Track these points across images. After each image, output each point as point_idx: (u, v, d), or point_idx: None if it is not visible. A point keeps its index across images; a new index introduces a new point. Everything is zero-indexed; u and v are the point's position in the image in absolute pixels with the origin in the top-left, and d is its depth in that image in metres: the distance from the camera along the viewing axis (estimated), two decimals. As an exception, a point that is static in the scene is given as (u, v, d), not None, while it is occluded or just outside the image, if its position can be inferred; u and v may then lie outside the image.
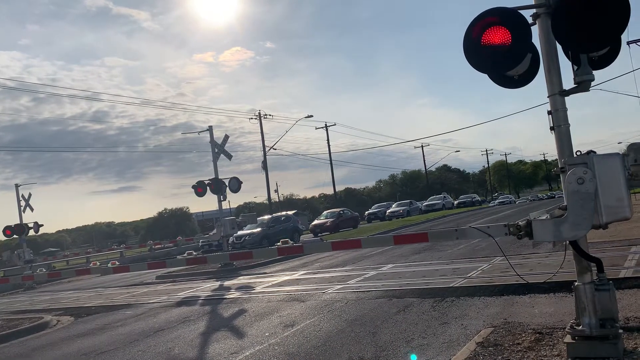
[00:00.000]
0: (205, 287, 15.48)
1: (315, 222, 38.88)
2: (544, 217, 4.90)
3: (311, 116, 52.64)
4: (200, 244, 34.14)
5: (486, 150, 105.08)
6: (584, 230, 4.53)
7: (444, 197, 60.72)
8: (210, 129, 21.64)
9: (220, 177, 20.77)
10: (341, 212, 40.43)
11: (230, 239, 27.88)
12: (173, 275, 21.19)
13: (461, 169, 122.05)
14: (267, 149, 52.10)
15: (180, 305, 12.56)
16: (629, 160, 4.52)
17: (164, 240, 50.39)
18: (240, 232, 28.95)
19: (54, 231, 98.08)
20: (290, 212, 38.24)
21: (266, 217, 33.56)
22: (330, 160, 60.91)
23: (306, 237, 36.22)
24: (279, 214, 36.21)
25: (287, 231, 30.10)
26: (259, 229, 30.26)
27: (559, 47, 4.76)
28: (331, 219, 38.28)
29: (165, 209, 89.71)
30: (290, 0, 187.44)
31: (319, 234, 36.07)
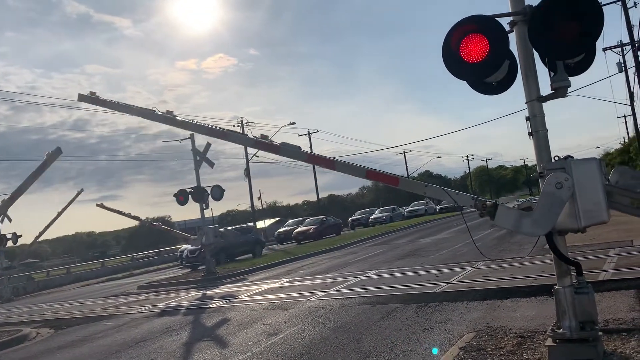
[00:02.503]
0: (188, 297, 15.33)
1: (299, 229, 38.67)
2: (511, 205, 4.95)
3: (294, 123, 52.79)
4: (178, 253, 32.33)
5: (467, 156, 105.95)
6: (542, 231, 4.62)
7: (426, 202, 61.01)
8: (192, 136, 21.52)
9: (202, 185, 20.66)
10: (324, 219, 40.37)
11: (185, 253, 27.09)
12: (155, 285, 20.97)
13: (443, 175, 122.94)
14: (250, 156, 51.97)
15: (163, 315, 12.41)
16: (611, 180, 4.59)
17: (147, 250, 49.93)
18: (193, 247, 26.10)
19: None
20: (250, 224, 36.68)
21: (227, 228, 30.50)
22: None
23: (278, 246, 36.02)
24: (241, 225, 33.57)
25: (248, 243, 28.53)
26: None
27: (536, 54, 4.84)
28: (314, 226, 38.15)
29: (147, 218, 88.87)
30: (271, 7, 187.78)
31: (302, 241, 35.90)
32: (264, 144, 6.23)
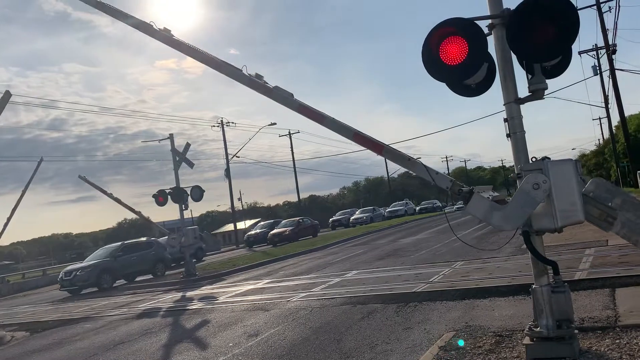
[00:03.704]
0: (167, 298, 15.20)
1: (274, 230, 37.75)
2: (486, 195, 5.00)
3: (274, 124, 52.54)
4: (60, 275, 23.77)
5: (446, 157, 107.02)
6: (509, 227, 4.71)
7: (406, 203, 61.57)
8: (171, 137, 21.36)
9: (182, 185, 20.50)
10: (300, 220, 39.63)
11: (60, 274, 23.14)
12: (134, 286, 20.75)
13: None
14: (230, 156, 51.74)
15: (142, 317, 12.28)
16: (587, 189, 4.66)
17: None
18: (71, 267, 23.52)
19: (8, 243, 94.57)
20: (152, 238, 28.20)
21: (115, 244, 25.24)
22: (294, 167, 60.91)
23: (246, 251, 35.93)
24: (136, 240, 26.73)
25: (147, 262, 23.60)
26: (96, 261, 22.88)
27: (514, 56, 4.92)
28: (290, 228, 37.28)
29: (125, 219, 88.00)
30: (251, 7, 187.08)
31: (278, 244, 35.13)
32: (257, 83, 6.07)
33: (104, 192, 22.27)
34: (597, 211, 4.55)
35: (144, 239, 27.29)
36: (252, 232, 43.11)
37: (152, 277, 23.65)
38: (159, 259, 24.53)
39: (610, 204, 4.54)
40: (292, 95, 5.96)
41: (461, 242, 16.79)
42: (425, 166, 5.20)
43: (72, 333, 11.38)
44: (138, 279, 23.66)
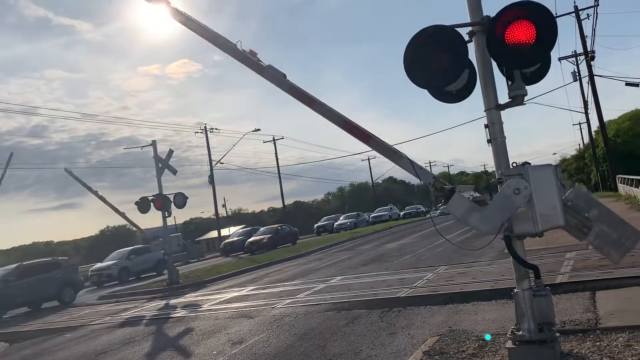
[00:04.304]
0: (150, 307, 15.04)
1: (252, 238, 36.83)
2: (467, 195, 5.02)
3: (259, 130, 52.66)
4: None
5: (429, 162, 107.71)
6: (486, 228, 4.73)
7: (390, 208, 61.79)
8: (153, 143, 21.21)
9: (165, 192, 20.34)
10: (279, 227, 38.88)
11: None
12: (117, 294, 20.51)
13: (406, 181, 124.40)
14: (214, 163, 51.52)
15: (124, 325, 12.13)
16: (567, 198, 4.73)
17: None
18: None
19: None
20: (60, 257, 25.63)
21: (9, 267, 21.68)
22: (279, 173, 60.85)
23: (221, 259, 35.58)
24: (39, 260, 22.59)
25: (50, 286, 20.02)
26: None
27: (494, 63, 4.97)
28: (268, 235, 36.36)
29: (108, 227, 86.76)
30: (235, 13, 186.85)
31: (255, 252, 34.29)
32: (250, 60, 5.91)
33: (89, 189, 21.88)
34: (574, 220, 4.62)
35: (48, 259, 23.83)
36: (229, 239, 42.21)
37: (57, 303, 20.61)
38: (65, 283, 21.09)
39: (587, 214, 4.62)
40: (284, 75, 5.87)
41: (444, 248, 16.91)
42: (410, 160, 5.18)
43: (52, 343, 11.20)
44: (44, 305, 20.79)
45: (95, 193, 21.61)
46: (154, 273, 30.93)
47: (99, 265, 31.52)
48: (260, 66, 5.92)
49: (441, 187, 4.90)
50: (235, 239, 41.33)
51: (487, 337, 6.07)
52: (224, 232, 54.18)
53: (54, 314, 17.31)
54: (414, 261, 14.93)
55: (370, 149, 5.47)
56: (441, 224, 28.54)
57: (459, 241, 18.14)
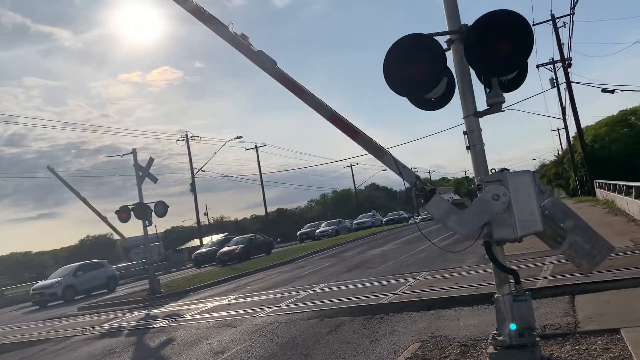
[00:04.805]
0: (131, 317, 14.84)
1: (224, 249, 35.26)
2: (447, 197, 5.05)
3: (240, 137, 52.50)
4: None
5: (410, 169, 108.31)
6: (463, 232, 4.76)
7: (373, 214, 61.99)
8: (134, 151, 21.00)
9: (146, 201, 20.12)
10: (252, 237, 37.39)
11: None
12: (97, 305, 20.21)
13: (389, 187, 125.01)
14: (195, 171, 51.22)
15: (104, 337, 11.95)
16: (544, 207, 4.79)
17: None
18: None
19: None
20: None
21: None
22: (262, 180, 60.70)
23: (195, 270, 34.13)
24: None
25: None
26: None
27: (472, 71, 5.03)
28: (241, 245, 34.77)
29: (88, 236, 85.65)
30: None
31: (227, 263, 32.70)
32: (241, 43, 5.73)
33: (72, 190, 21.50)
34: (549, 230, 4.69)
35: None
36: (200, 250, 40.72)
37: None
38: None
39: (562, 224, 4.69)
40: (275, 62, 5.78)
41: (426, 254, 17.01)
42: (394, 158, 5.18)
43: (31, 356, 10.98)
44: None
45: (78, 194, 21.30)
46: (105, 290, 29.62)
47: (42, 283, 29.50)
48: (250, 51, 5.78)
49: (422, 188, 4.91)
50: (206, 249, 40.01)
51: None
52: (206, 240, 53.74)
53: (33, 326, 16.98)
54: (397, 267, 14.97)
55: (357, 144, 5.38)
56: (423, 230, 28.69)
57: (440, 246, 18.25)
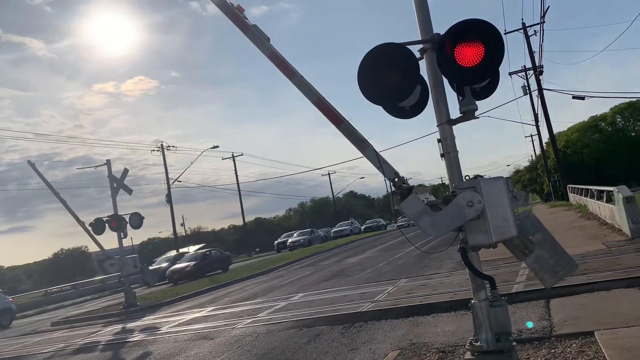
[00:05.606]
0: (106, 332, 14.56)
1: (174, 266, 32.57)
2: (423, 198, 5.06)
3: (217, 147, 52.24)
4: None
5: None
6: (435, 234, 4.76)
7: (352, 222, 62.10)
8: (108, 162, 20.69)
9: (121, 212, 19.83)
10: (207, 252, 34.98)
11: None
12: (71, 320, 19.78)
13: (367, 195, 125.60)
14: (171, 181, 50.71)
15: (79, 352, 11.69)
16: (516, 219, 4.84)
17: (62, 283, 47.10)
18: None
19: None
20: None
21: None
22: (239, 190, 60.43)
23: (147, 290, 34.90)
24: None
25: None
26: None
27: (445, 79, 5.09)
28: (193, 262, 31.99)
29: (62, 249, 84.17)
30: (189, 30, 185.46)
31: (179, 282, 30.17)
32: (236, 16, 5.67)
33: (52, 189, 20.94)
34: (517, 241, 4.75)
35: None
36: (154, 266, 36.43)
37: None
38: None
39: (531, 237, 4.76)
40: (268, 39, 5.68)
41: (404, 261, 17.10)
42: (376, 152, 5.17)
43: (1, 374, 10.68)
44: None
45: (57, 195, 20.83)
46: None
47: None
48: (244, 24, 5.61)
49: (400, 185, 4.92)
50: (159, 265, 36.69)
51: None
52: (184, 251, 53.12)
53: (3, 343, 16.53)
54: (375, 275, 15.00)
55: (340, 132, 5.32)
56: (401, 237, 28.82)
57: (417, 254, 18.35)
